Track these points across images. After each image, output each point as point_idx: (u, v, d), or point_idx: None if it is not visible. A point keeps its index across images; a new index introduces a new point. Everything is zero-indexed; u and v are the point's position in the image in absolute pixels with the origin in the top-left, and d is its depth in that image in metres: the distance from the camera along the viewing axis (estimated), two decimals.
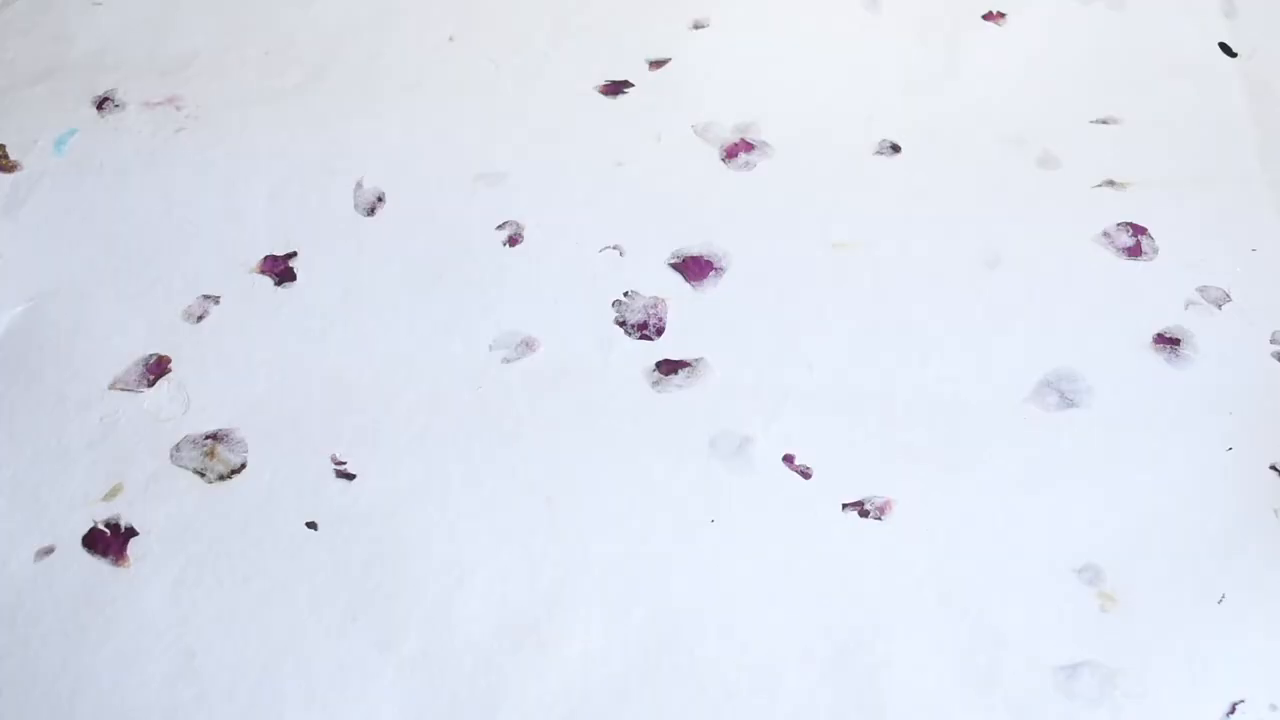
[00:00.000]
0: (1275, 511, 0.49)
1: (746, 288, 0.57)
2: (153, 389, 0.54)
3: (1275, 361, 0.53)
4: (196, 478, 0.51)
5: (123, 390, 0.54)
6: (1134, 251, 0.57)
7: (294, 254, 0.59)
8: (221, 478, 0.51)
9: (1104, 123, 0.63)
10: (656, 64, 0.68)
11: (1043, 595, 0.47)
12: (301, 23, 0.72)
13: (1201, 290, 0.56)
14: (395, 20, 0.72)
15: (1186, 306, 0.55)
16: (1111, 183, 0.61)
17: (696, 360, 0.55)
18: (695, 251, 0.59)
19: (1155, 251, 0.57)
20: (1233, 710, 0.44)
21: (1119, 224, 0.59)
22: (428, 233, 0.59)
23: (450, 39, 0.70)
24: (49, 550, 0.49)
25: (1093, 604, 0.46)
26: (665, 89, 0.67)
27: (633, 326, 0.56)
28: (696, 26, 0.71)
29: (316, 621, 0.47)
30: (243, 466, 0.52)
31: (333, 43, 0.71)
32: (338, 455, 0.52)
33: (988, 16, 0.70)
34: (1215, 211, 0.59)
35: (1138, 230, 0.58)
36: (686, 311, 0.56)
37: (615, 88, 0.67)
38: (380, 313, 0.57)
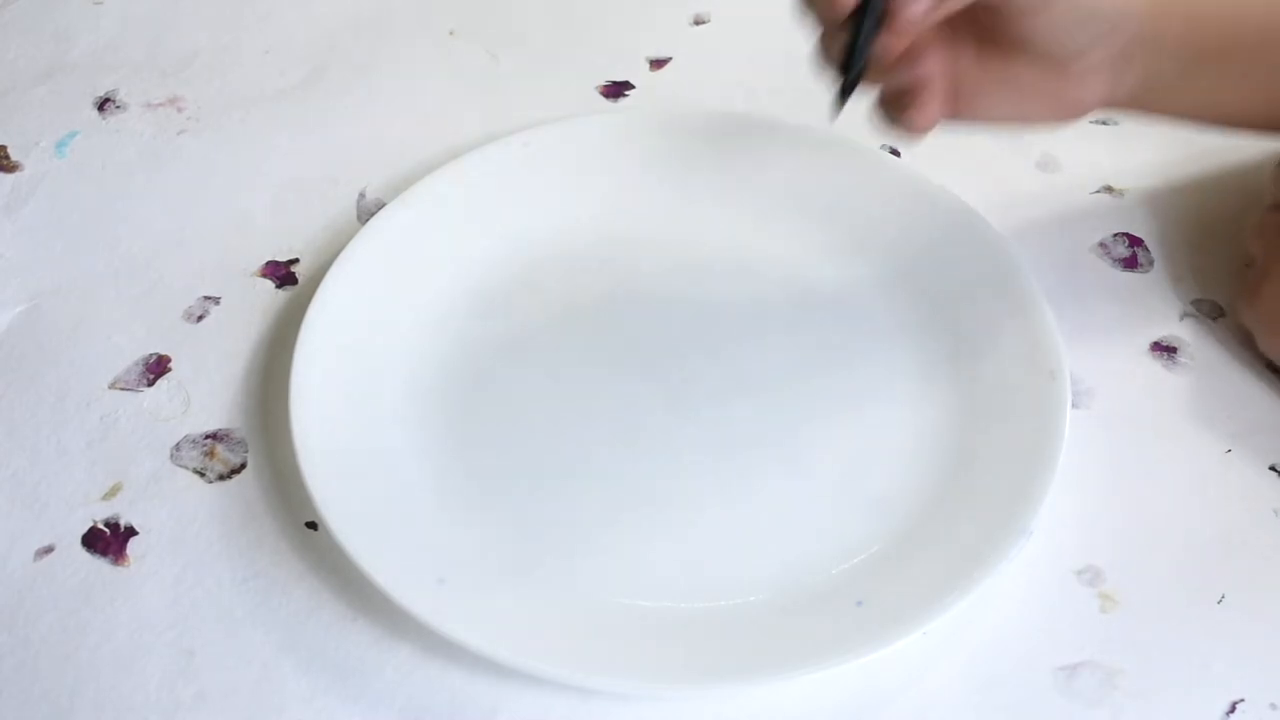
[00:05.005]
0: (1275, 512, 0.49)
1: None
2: (152, 388, 0.54)
3: (1272, 371, 0.53)
4: (196, 477, 0.51)
5: (122, 390, 0.54)
6: (1130, 263, 0.58)
7: (296, 260, 0.59)
8: (221, 477, 0.51)
9: (1103, 123, 0.63)
10: (658, 63, 0.69)
11: (1043, 595, 0.47)
12: (302, 20, 0.72)
13: (1196, 303, 0.56)
14: (395, 17, 0.72)
15: (1181, 318, 0.55)
16: (1109, 189, 0.61)
17: None
18: None
19: (1151, 264, 0.58)
20: (1233, 710, 0.44)
21: (1115, 234, 0.59)
22: None
23: (451, 33, 0.70)
24: (48, 549, 0.49)
25: (1093, 604, 0.47)
26: (665, 88, 0.67)
27: None
28: (697, 22, 0.71)
29: (316, 621, 0.47)
30: (243, 466, 0.52)
31: (333, 39, 0.71)
32: None
33: None
34: (1211, 219, 0.59)
35: (1134, 241, 0.58)
36: None
37: (616, 89, 0.67)
38: None
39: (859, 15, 0.43)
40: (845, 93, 0.45)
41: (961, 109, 0.49)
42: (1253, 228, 0.53)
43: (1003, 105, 0.50)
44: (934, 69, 0.46)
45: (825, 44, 0.46)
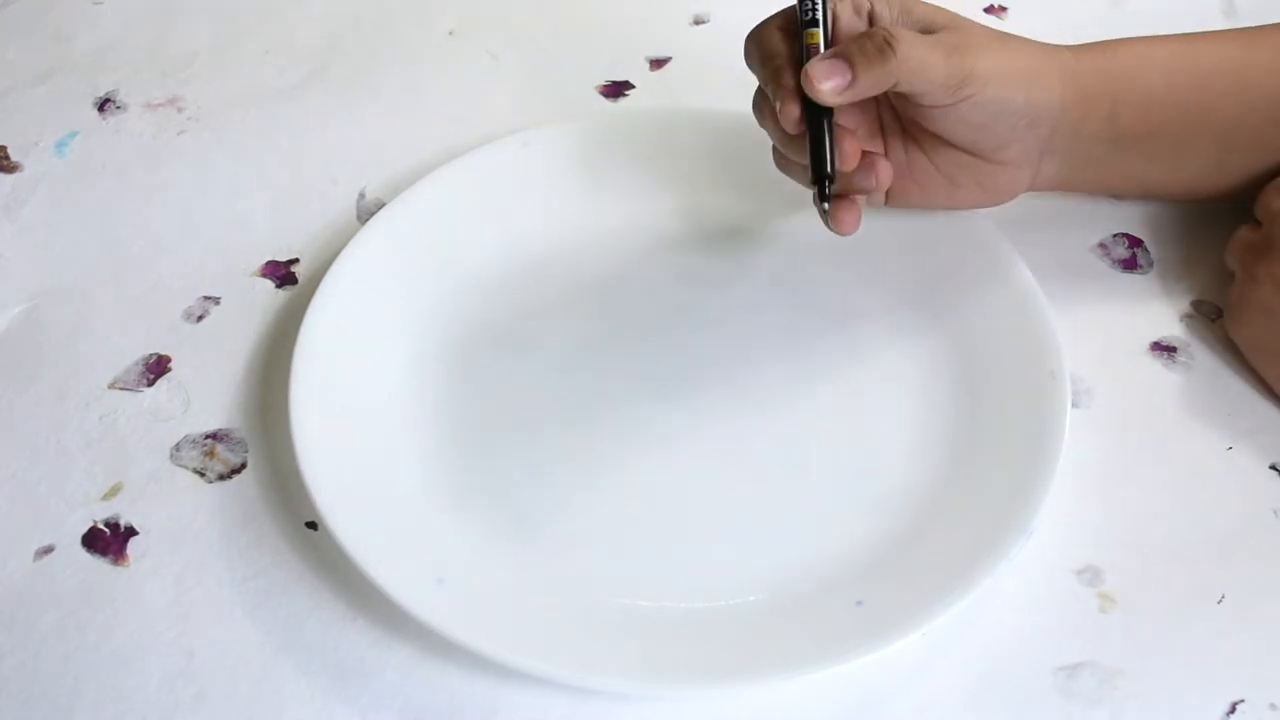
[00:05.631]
0: (1275, 512, 0.49)
1: None
2: (152, 388, 0.54)
3: None
4: (196, 477, 0.51)
5: (122, 390, 0.54)
6: (1130, 264, 0.58)
7: (295, 260, 0.59)
8: (221, 477, 0.51)
9: None
10: (657, 63, 0.69)
11: (1043, 595, 0.47)
12: (302, 20, 0.72)
13: (1195, 304, 0.56)
14: (395, 17, 0.72)
15: (1181, 319, 0.55)
16: None
17: None
18: None
19: (1150, 264, 0.58)
20: (1233, 710, 0.44)
21: (1115, 235, 0.59)
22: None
23: (451, 33, 0.70)
24: (48, 549, 0.49)
25: (1093, 604, 0.46)
26: (665, 89, 0.67)
27: None
28: (697, 22, 0.71)
29: (316, 621, 0.47)
30: (243, 466, 0.52)
31: (333, 39, 0.71)
32: None
33: (989, 10, 0.71)
34: (1210, 220, 0.59)
35: (1134, 242, 0.58)
36: None
37: (616, 89, 0.67)
38: None
39: (812, 130, 0.48)
40: (826, 205, 0.49)
41: (894, 198, 0.54)
42: (1234, 243, 0.53)
43: (932, 194, 0.53)
44: (882, 179, 0.50)
45: (782, 152, 0.51)
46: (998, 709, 0.44)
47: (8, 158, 0.65)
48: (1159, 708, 0.44)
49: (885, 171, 0.50)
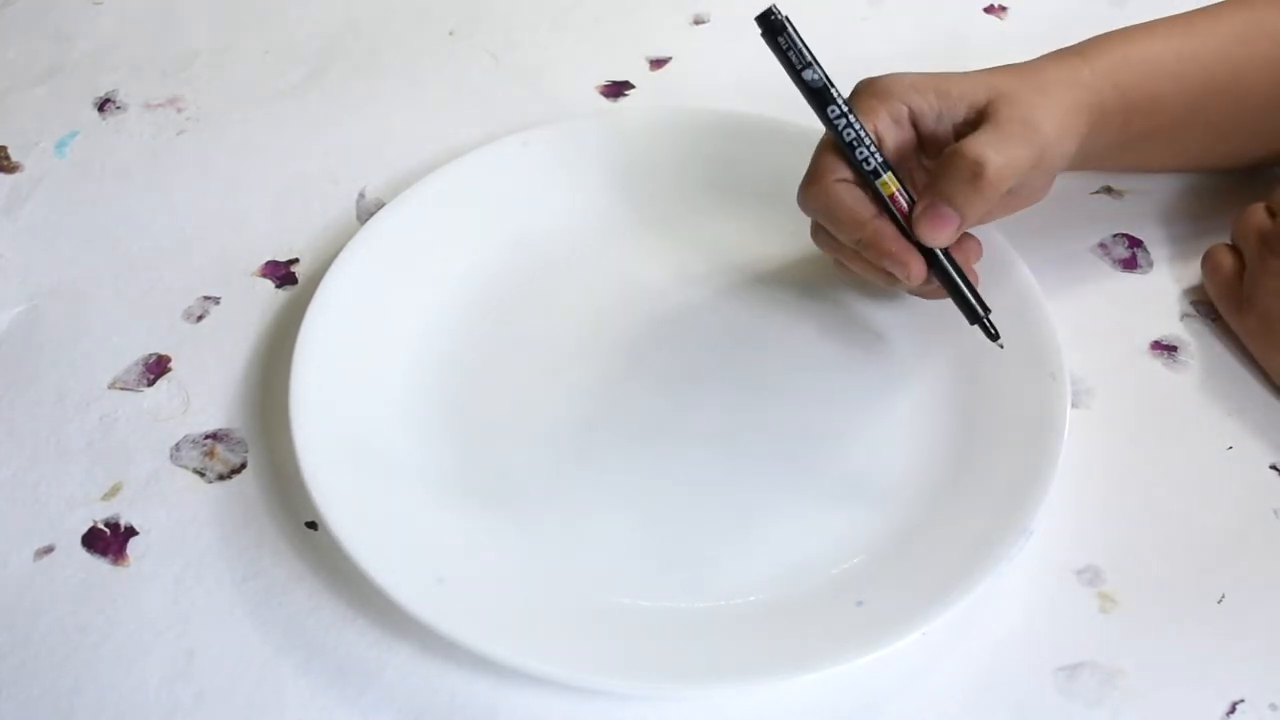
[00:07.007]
0: (1275, 512, 0.49)
1: None
2: (152, 388, 0.54)
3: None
4: (196, 477, 0.51)
5: (122, 389, 0.54)
6: (1130, 264, 0.58)
7: (295, 260, 0.59)
8: (221, 477, 0.51)
9: None
10: (657, 63, 0.69)
11: (1042, 595, 0.47)
12: (302, 19, 0.72)
13: (1195, 304, 0.56)
14: (395, 17, 0.72)
15: (1181, 318, 0.55)
16: (1109, 189, 0.61)
17: None
18: None
19: (1150, 264, 0.58)
20: (1233, 710, 0.44)
21: (1115, 235, 0.59)
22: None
23: (451, 33, 0.70)
24: (48, 549, 0.49)
25: (1093, 604, 0.46)
26: (666, 89, 0.67)
27: None
28: (697, 22, 0.71)
29: (316, 621, 0.47)
30: (243, 466, 0.52)
31: (333, 39, 0.71)
32: None
33: (989, 10, 0.71)
34: (1210, 220, 0.59)
35: (1134, 242, 0.58)
36: None
37: (616, 89, 0.67)
38: None
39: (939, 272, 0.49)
40: (991, 326, 0.50)
41: None
42: (1247, 225, 0.53)
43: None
44: (974, 252, 0.51)
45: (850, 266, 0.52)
46: (998, 709, 0.44)
47: (8, 158, 0.65)
48: (1159, 708, 0.44)
49: (977, 246, 0.51)
